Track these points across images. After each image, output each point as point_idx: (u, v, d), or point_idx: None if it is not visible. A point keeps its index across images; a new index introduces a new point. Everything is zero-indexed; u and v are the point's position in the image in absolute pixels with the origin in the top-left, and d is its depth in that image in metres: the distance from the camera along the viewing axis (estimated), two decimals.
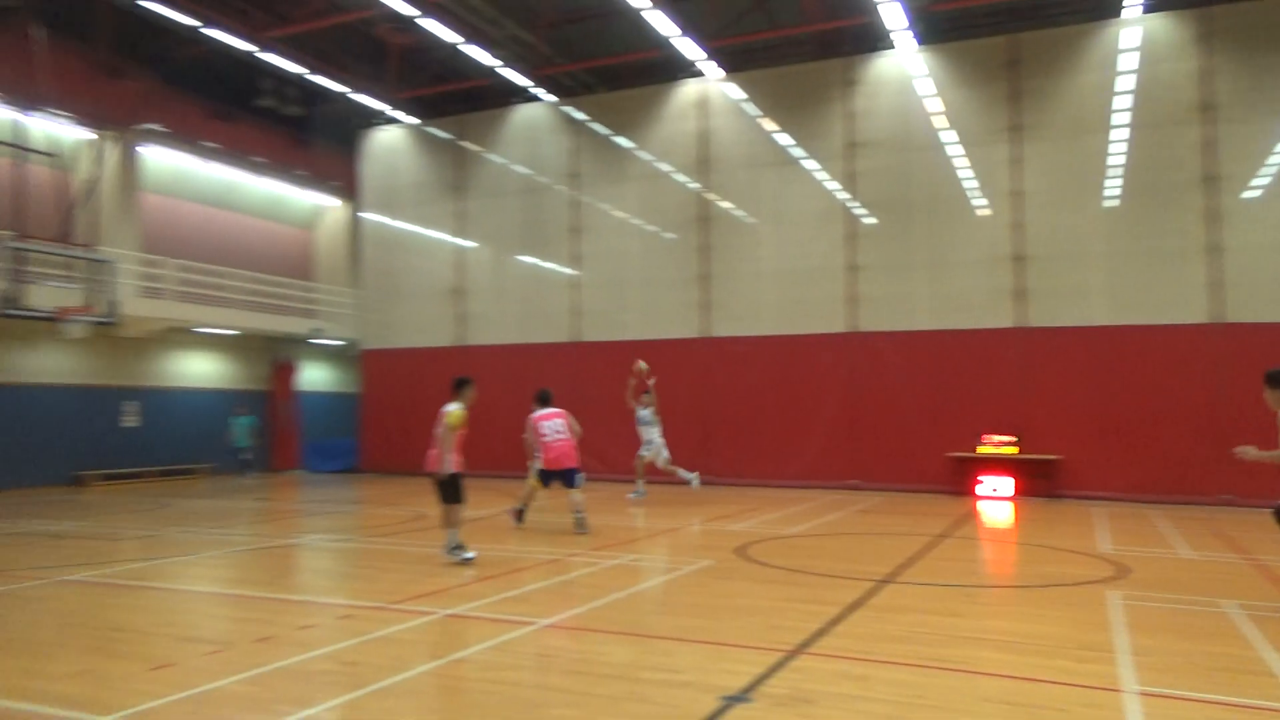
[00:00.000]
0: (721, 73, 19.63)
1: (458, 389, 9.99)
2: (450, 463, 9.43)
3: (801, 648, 5.92)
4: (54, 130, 16.78)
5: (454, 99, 22.84)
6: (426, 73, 21.93)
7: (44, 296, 16.00)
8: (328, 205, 27.34)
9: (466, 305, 22.27)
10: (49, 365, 19.63)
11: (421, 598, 7.69)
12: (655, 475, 16.46)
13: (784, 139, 19.22)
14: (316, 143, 25.03)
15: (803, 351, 18.79)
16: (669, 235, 20.15)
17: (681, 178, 20.08)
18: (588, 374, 20.61)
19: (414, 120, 23.18)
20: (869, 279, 18.27)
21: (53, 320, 15.91)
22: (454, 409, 9.50)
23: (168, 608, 7.71)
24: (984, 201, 17.58)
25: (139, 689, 5.18)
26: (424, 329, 22.73)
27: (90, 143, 19.84)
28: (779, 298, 19.08)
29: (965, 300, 17.55)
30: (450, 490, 9.50)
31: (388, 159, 23.62)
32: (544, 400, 12.56)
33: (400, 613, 7.10)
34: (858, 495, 16.90)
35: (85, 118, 19.07)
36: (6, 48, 16.24)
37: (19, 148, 15.72)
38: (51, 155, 16.43)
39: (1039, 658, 5.73)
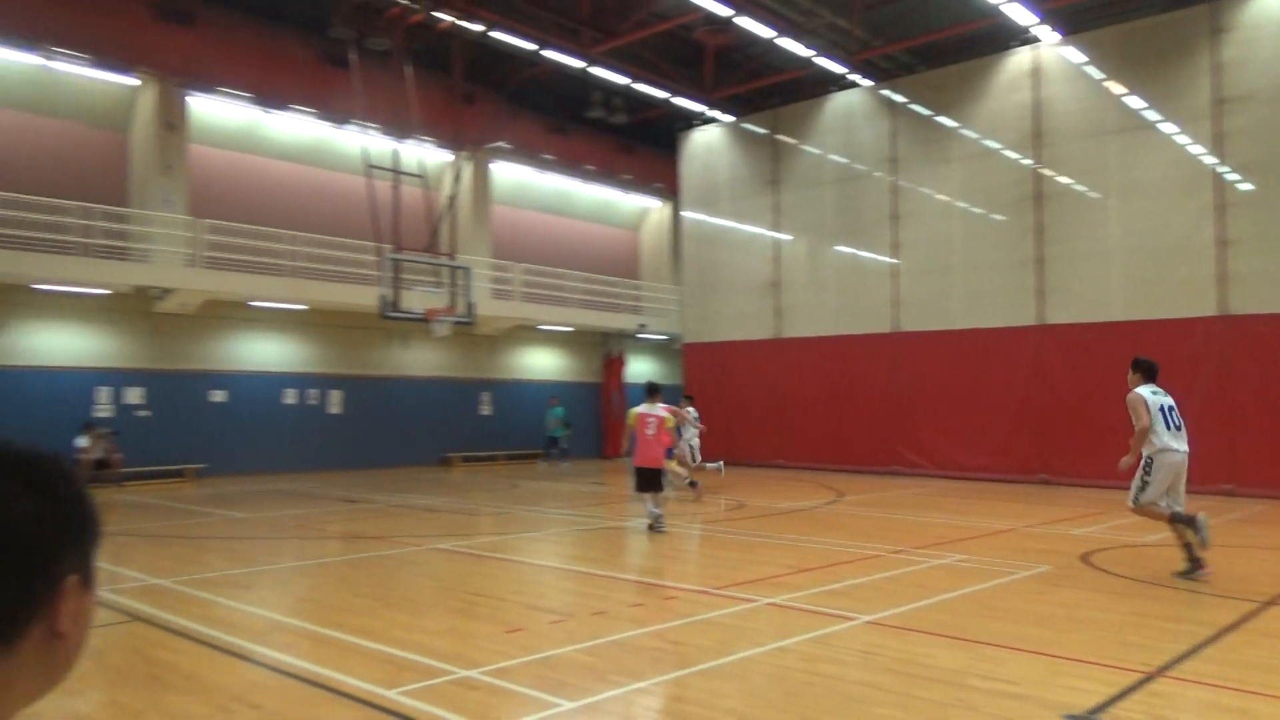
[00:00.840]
0: (1057, 36, 17.99)
1: (652, 394, 12.10)
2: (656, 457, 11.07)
3: (1162, 670, 5.29)
4: (421, 154, 19.19)
5: (768, 93, 23.00)
6: (742, 70, 22.29)
7: (416, 300, 18.33)
8: (651, 206, 28.74)
9: (783, 298, 22.36)
10: (420, 360, 22.52)
11: (743, 585, 7.85)
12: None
13: (1134, 102, 17.21)
14: (640, 147, 26.39)
15: (1159, 339, 16.68)
16: (997, 217, 18.84)
17: (1012, 154, 18.67)
18: (907, 365, 19.88)
19: (730, 118, 23.66)
20: (1242, 254, 15.86)
21: (423, 321, 18.18)
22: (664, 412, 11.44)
23: (518, 578, 8.54)
24: None
25: (495, 649, 5.79)
26: (741, 322, 23.15)
27: (449, 163, 22.44)
28: (1128, 280, 17.13)
29: None
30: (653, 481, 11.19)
31: (706, 157, 24.33)
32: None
33: (722, 598, 7.30)
34: (1232, 502, 14.71)
35: (445, 141, 21.59)
36: (382, 85, 18.82)
37: (395, 172, 18.17)
38: (419, 176, 18.79)
39: None
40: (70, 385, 16.88)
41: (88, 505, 1.02)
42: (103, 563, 9.10)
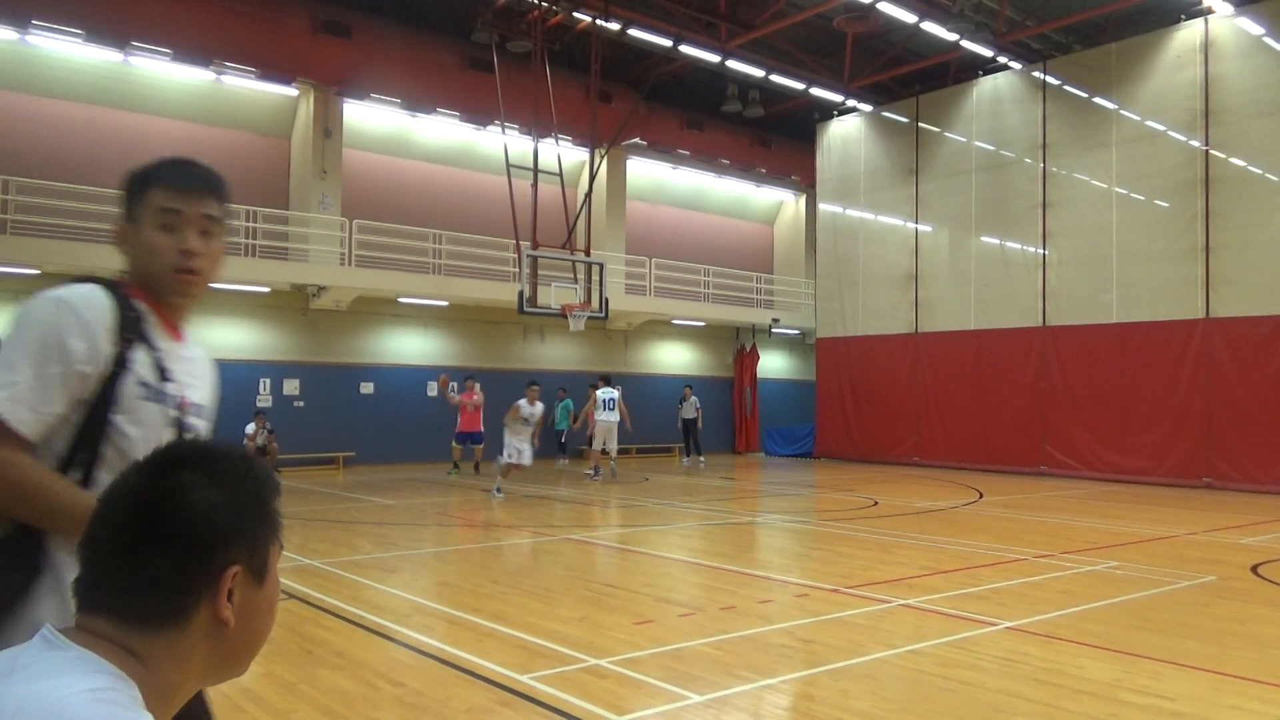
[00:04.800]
0: (1230, 8, 16.68)
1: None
2: None
3: None
4: (559, 153, 19.60)
5: (910, 80, 22.32)
6: (883, 57, 21.70)
7: (553, 296, 18.74)
8: (786, 199, 28.38)
9: (922, 291, 21.66)
10: (555, 354, 23.02)
11: (876, 585, 7.66)
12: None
13: None
14: (776, 140, 26.09)
15: None
16: (1160, 203, 17.64)
17: (1177, 135, 17.43)
18: (1056, 360, 18.90)
19: (869, 107, 23.08)
20: None
21: (560, 315, 18.57)
22: None
23: (649, 570, 8.61)
24: None
25: (625, 639, 5.86)
26: (878, 316, 22.56)
27: (585, 161, 22.82)
28: None
29: None
30: None
31: (843, 148, 23.81)
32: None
33: (855, 597, 7.15)
34: None
35: (582, 139, 21.96)
36: (522, 87, 19.31)
37: (534, 171, 18.62)
38: (557, 175, 19.18)
39: None
40: (237, 376, 18.12)
41: (265, 503, 1.10)
42: None
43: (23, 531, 1.69)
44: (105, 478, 1.74)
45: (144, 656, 0.99)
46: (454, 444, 18.14)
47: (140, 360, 1.82)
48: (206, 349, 2.15)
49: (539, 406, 15.04)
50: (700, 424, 22.35)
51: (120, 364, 1.78)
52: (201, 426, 2.00)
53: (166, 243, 1.87)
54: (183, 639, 1.02)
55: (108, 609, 1.00)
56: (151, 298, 1.91)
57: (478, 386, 18.11)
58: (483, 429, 18.02)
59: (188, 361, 1.99)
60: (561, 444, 21.93)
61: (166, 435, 1.84)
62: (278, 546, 1.13)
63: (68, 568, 1.66)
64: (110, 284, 1.86)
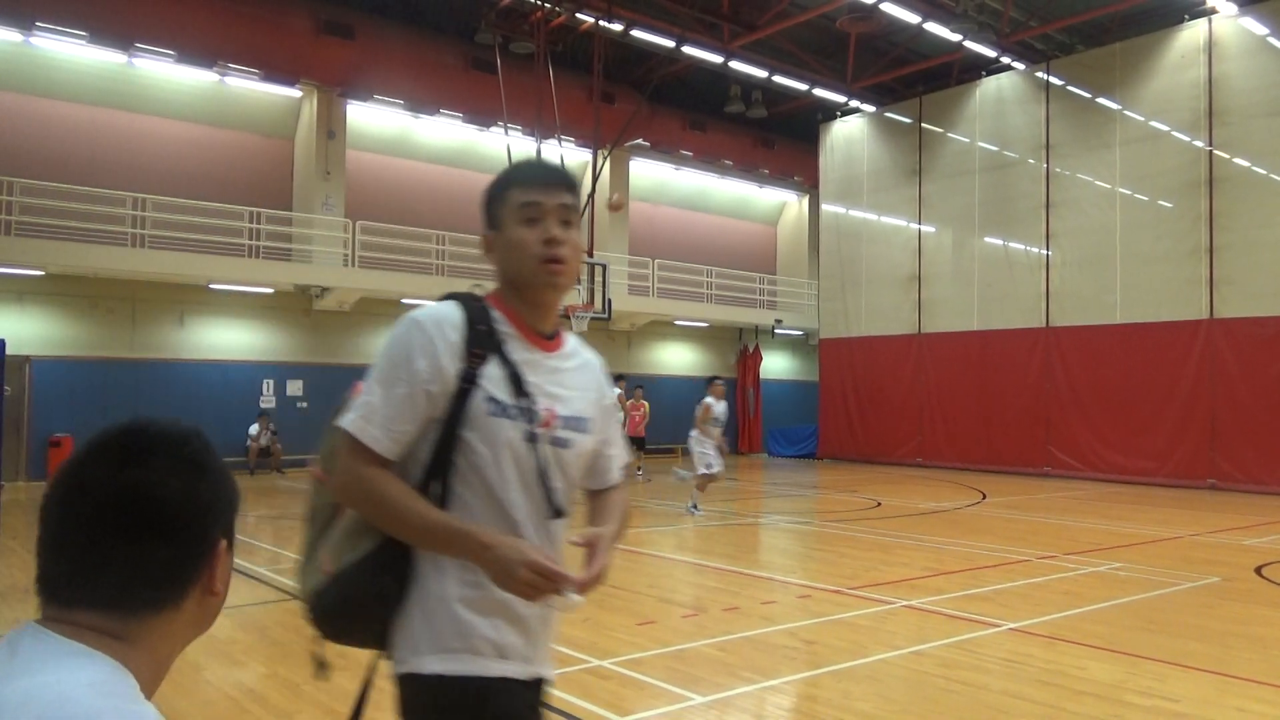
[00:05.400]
0: (1234, 8, 16.65)
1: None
2: None
3: None
4: (561, 154, 19.61)
5: (913, 81, 22.29)
6: (886, 58, 21.68)
7: None
8: (789, 200, 28.36)
9: (924, 292, 21.64)
10: None
11: (879, 586, 7.66)
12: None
13: None
14: (779, 141, 26.07)
15: None
16: (1163, 203, 17.61)
17: (1181, 136, 17.41)
18: (1059, 361, 18.88)
19: (872, 108, 23.06)
20: None
21: (564, 317, 18.58)
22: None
23: (652, 571, 8.61)
24: None
25: (629, 640, 5.86)
26: (880, 317, 22.55)
27: (588, 162, 22.82)
28: None
29: None
30: None
31: (846, 149, 23.80)
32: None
33: (857, 598, 7.15)
34: None
35: (585, 140, 21.96)
36: (525, 88, 19.31)
37: None
38: None
39: None
40: (240, 377, 18.14)
41: (228, 476, 1.13)
42: (266, 544, 9.76)
43: (391, 542, 1.76)
44: (463, 493, 1.78)
45: (136, 640, 1.01)
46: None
47: (491, 376, 1.79)
48: (592, 355, 2.04)
49: (725, 404, 13.03)
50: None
51: (468, 380, 1.77)
52: (579, 441, 1.91)
53: (530, 235, 1.85)
54: (177, 617, 1.05)
55: (95, 602, 1.00)
56: (513, 308, 1.88)
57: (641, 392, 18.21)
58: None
59: (560, 372, 1.90)
60: None
61: (524, 451, 1.79)
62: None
63: (431, 578, 1.76)
64: (467, 298, 1.86)
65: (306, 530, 1.91)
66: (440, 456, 1.78)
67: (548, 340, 1.91)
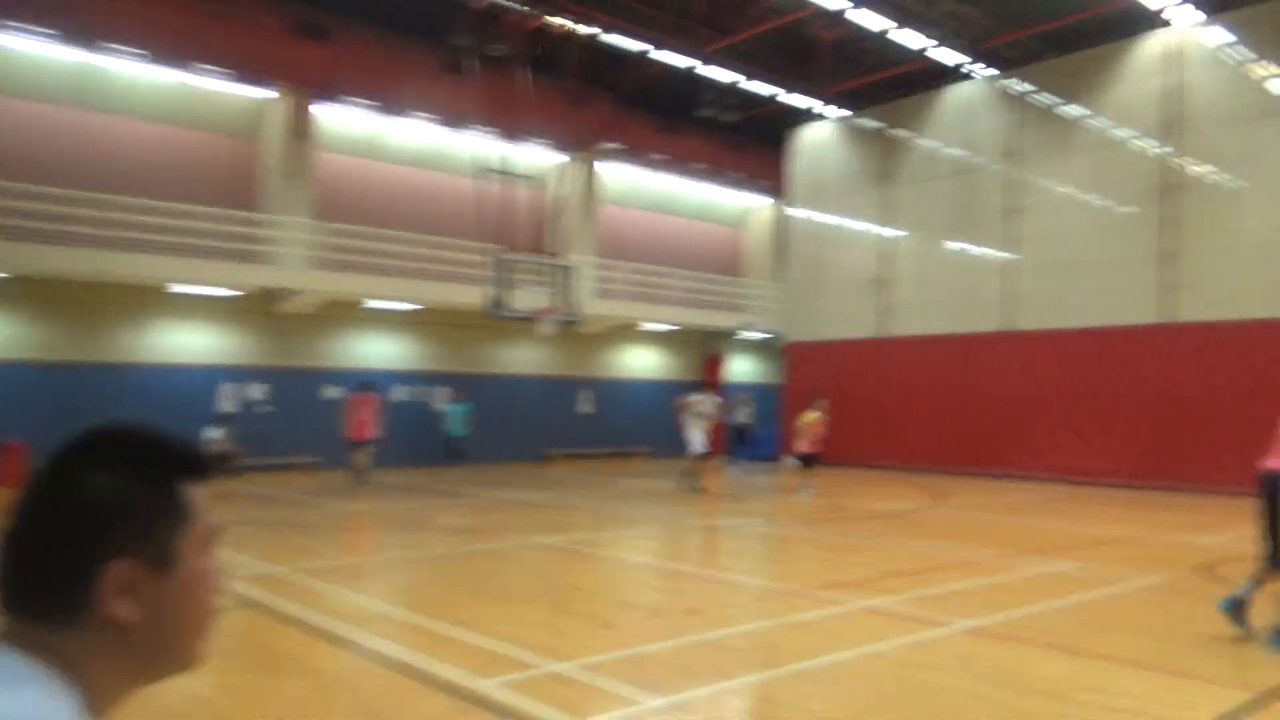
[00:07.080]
0: (1199, 16, 16.96)
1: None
2: None
3: None
4: (533, 157, 19.55)
5: (882, 87, 22.48)
6: (856, 64, 21.86)
7: (523, 300, 18.69)
8: (756, 204, 28.51)
9: (890, 295, 21.85)
10: (523, 358, 22.98)
11: (837, 587, 7.72)
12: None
13: None
14: (749, 145, 26.20)
15: None
16: (1125, 209, 17.91)
17: (1143, 143, 17.72)
18: (1022, 364, 19.13)
19: (842, 113, 23.25)
20: None
21: (530, 320, 18.51)
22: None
23: (613, 574, 8.63)
24: None
25: (587, 644, 5.86)
26: (846, 321, 22.72)
27: (559, 164, 22.80)
28: (1269, 276, 16.02)
29: None
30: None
31: (816, 154, 23.98)
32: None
33: (815, 600, 7.20)
34: None
35: (557, 143, 21.95)
36: (497, 90, 19.26)
37: (506, 174, 18.54)
38: (530, 178, 19.13)
39: None
40: (199, 381, 17.90)
41: (165, 486, 0.98)
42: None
43: None
44: None
45: (59, 655, 0.93)
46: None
47: None
48: None
49: (712, 400, 16.30)
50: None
51: None
52: None
53: None
54: (89, 638, 0.93)
55: (9, 606, 0.95)
56: None
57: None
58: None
59: None
60: (458, 450, 20.76)
61: None
62: (196, 531, 1.00)
63: None
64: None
65: None
66: None
67: None
